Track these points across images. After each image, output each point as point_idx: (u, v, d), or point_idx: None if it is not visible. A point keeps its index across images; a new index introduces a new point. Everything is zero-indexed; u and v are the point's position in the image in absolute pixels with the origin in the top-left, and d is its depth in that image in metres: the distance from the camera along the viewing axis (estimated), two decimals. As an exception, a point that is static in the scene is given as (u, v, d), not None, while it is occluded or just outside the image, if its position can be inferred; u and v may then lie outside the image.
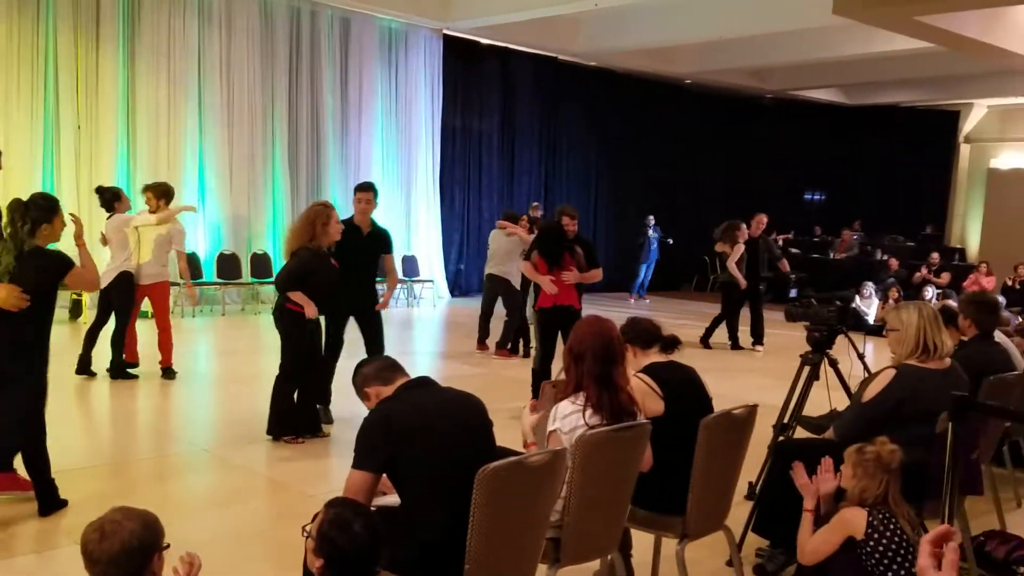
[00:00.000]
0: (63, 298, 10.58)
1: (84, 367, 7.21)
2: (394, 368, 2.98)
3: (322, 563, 2.15)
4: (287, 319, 5.60)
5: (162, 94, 11.57)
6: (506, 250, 9.36)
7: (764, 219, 10.65)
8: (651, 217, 15.87)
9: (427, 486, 2.70)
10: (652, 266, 15.87)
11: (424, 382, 2.92)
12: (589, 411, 3.00)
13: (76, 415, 6.42)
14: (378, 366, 3.00)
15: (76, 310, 10.40)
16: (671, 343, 3.71)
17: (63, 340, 9.67)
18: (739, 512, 4.05)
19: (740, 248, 10.24)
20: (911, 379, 3.68)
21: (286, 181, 12.82)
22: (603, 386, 3.04)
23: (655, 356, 3.63)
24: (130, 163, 11.44)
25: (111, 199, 7.45)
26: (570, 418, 3.00)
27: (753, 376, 8.65)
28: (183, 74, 11.71)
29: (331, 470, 5.27)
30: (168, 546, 2.14)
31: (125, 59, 11.26)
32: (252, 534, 4.29)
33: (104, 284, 6.88)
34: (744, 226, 10.38)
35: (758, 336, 10.67)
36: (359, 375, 3.01)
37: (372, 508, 2.80)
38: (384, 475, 2.77)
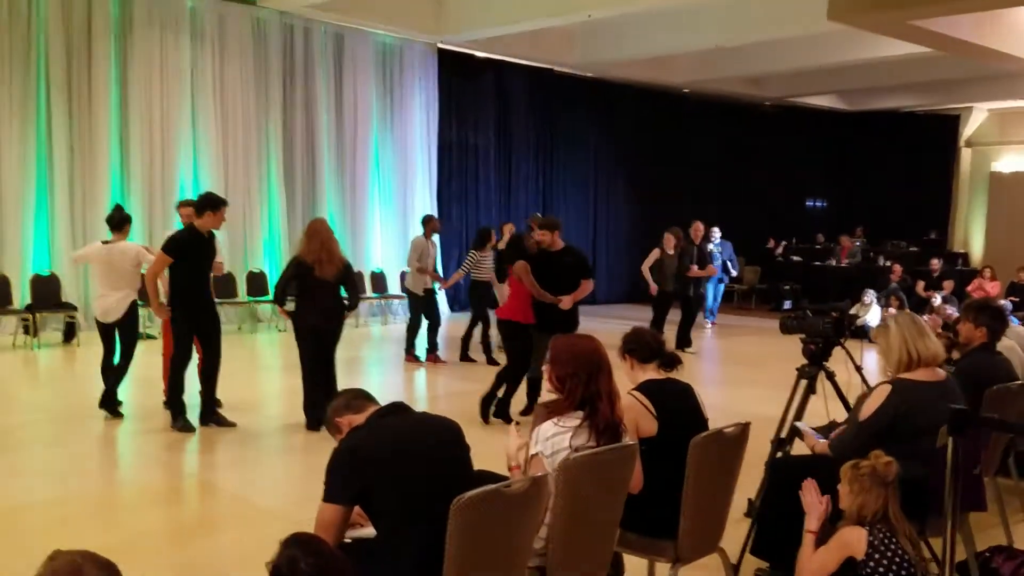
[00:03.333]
0: (55, 320, 10.51)
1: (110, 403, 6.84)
2: (365, 397, 2.90)
3: None
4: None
5: (155, 114, 11.52)
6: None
7: (701, 226, 11.29)
8: (716, 230, 13.42)
9: (401, 516, 2.59)
10: (719, 285, 13.66)
11: (396, 408, 2.82)
12: (570, 432, 2.89)
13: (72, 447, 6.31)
14: (348, 396, 2.92)
15: (70, 333, 10.30)
16: (671, 361, 3.60)
17: (57, 364, 9.61)
18: (737, 531, 3.94)
19: (655, 254, 10.69)
20: (907, 393, 3.58)
21: (282, 199, 12.76)
22: (587, 406, 2.94)
23: (652, 372, 3.52)
24: (124, 183, 11.39)
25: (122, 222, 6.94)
26: (552, 440, 2.89)
27: (752, 388, 8.54)
28: (176, 93, 11.66)
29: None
30: None
31: (117, 78, 11.22)
32: (232, 563, 4.18)
33: (114, 317, 6.66)
34: (668, 234, 10.83)
35: (685, 340, 10.89)
36: (330, 408, 2.94)
37: (347, 540, 2.71)
38: (358, 506, 2.67)
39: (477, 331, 9.78)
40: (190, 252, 6.38)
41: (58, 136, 10.81)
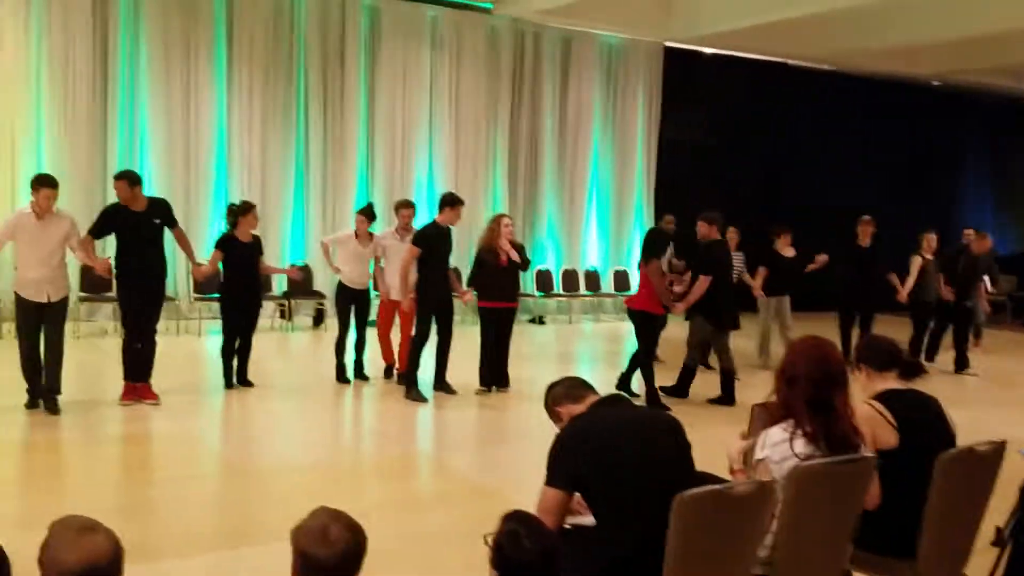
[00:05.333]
0: (307, 307, 11.53)
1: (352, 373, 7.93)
2: (584, 386, 2.95)
3: (496, 575, 2.18)
4: None
5: (397, 119, 12.38)
6: None
7: (976, 235, 10.08)
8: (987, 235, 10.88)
9: (619, 507, 2.61)
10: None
11: (617, 400, 2.85)
12: (799, 440, 2.77)
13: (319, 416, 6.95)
14: (568, 384, 2.98)
15: (319, 318, 11.28)
16: (912, 369, 3.35)
17: (307, 345, 10.54)
18: (984, 560, 3.59)
19: (917, 261, 9.71)
20: None
21: (504, 199, 13.25)
22: (818, 413, 2.80)
23: (892, 382, 3.29)
24: (369, 182, 12.31)
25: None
26: (781, 446, 2.78)
27: (1007, 408, 7.73)
28: (416, 99, 12.46)
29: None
30: None
31: (366, 87, 12.15)
32: (454, 537, 4.39)
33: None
34: (929, 236, 9.80)
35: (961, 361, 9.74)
36: (549, 395, 3.00)
37: (567, 526, 2.76)
38: (579, 494, 2.72)
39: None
40: (434, 245, 7.17)
41: (314, 140, 11.89)
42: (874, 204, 16.45)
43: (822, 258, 9.73)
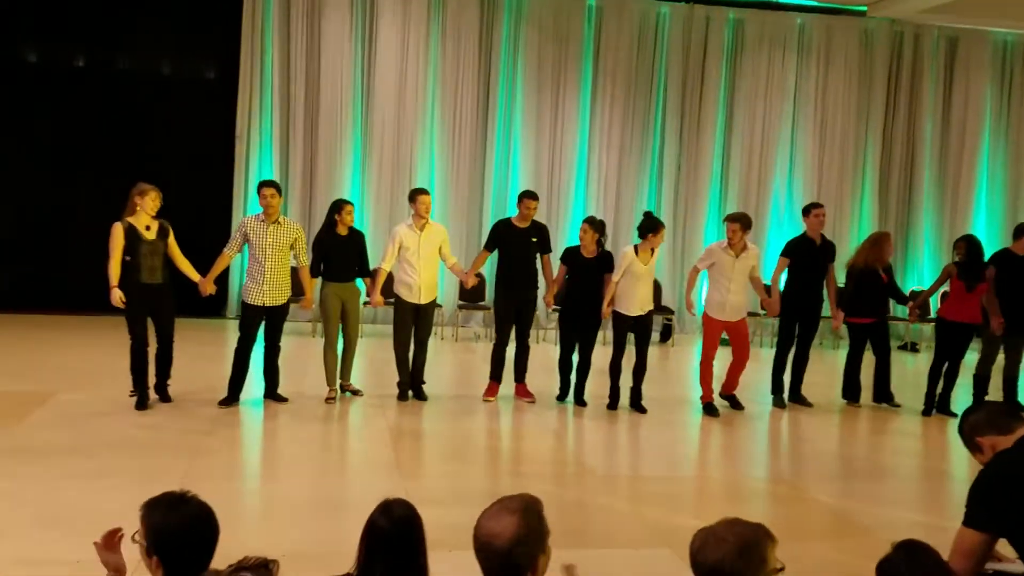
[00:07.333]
0: (655, 322, 11.58)
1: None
2: (1012, 415, 2.58)
3: None
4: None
5: (756, 129, 12.07)
6: None
7: None
8: None
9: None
10: None
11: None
12: None
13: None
14: (992, 411, 2.62)
15: (666, 333, 11.31)
16: None
17: (654, 361, 10.55)
18: None
19: None
20: None
21: (873, 210, 12.34)
22: None
23: None
24: (722, 196, 12.10)
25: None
26: None
27: None
28: (777, 108, 12.06)
29: (923, 524, 4.78)
30: None
31: (725, 99, 12.00)
32: (816, 570, 4.09)
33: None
34: None
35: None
36: (967, 423, 2.68)
37: (989, 572, 2.44)
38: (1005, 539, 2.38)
39: None
40: (801, 255, 7.37)
41: (669, 154, 11.96)
42: None
43: None
